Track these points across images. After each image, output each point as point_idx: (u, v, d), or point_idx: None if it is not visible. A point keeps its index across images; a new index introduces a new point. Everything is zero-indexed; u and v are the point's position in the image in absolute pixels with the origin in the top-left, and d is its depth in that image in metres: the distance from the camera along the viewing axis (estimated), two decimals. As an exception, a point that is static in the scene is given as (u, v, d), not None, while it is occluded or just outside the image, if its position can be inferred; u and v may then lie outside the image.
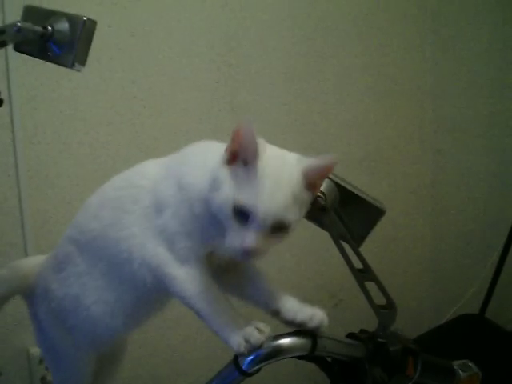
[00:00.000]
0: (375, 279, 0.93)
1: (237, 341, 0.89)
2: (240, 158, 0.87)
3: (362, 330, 1.02)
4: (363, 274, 0.94)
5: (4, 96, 1.00)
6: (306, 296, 2.42)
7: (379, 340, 0.99)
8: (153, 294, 1.02)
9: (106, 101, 1.89)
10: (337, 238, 0.94)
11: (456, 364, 1.15)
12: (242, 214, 0.85)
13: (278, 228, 0.87)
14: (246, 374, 0.91)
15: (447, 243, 2.76)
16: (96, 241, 1.03)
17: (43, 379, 1.83)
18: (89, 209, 1.07)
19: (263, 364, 0.91)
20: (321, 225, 0.96)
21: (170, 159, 1.01)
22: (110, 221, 1.01)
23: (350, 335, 1.01)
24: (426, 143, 2.64)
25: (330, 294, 2.39)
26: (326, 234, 1.02)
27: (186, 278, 0.93)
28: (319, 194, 0.93)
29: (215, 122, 2.07)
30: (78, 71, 0.98)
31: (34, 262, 1.19)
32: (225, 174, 0.88)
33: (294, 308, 0.96)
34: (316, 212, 0.93)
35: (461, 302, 2.68)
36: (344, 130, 2.38)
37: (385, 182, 2.47)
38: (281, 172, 0.87)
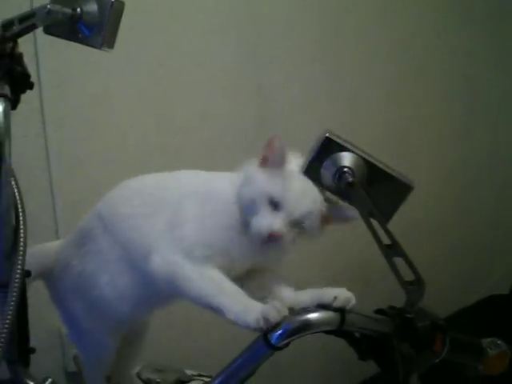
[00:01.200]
0: (403, 254, 0.93)
1: (255, 318, 0.91)
2: (270, 162, 0.98)
3: (390, 306, 1.02)
4: (391, 250, 0.94)
5: (33, 79, 1.01)
6: (336, 276, 2.41)
7: (407, 316, 0.99)
8: (162, 294, 1.06)
9: (134, 83, 1.90)
10: (365, 214, 0.94)
11: (485, 342, 1.14)
12: (271, 204, 0.95)
13: (296, 226, 0.96)
14: (275, 348, 0.92)
15: (476, 224, 2.74)
16: (121, 226, 1.07)
17: (75, 358, 1.85)
18: (124, 192, 1.11)
19: (292, 338, 0.92)
20: (349, 201, 0.97)
21: (201, 181, 1.07)
22: (140, 215, 1.05)
23: (379, 311, 1.01)
24: (454, 123, 2.62)
25: (358, 273, 2.39)
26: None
27: (199, 279, 0.97)
28: (347, 169, 0.93)
29: (241, 102, 2.07)
30: (107, 52, 0.99)
31: (51, 246, 1.23)
32: (258, 172, 0.98)
33: (314, 296, 0.98)
34: (345, 188, 0.93)
35: (490, 283, 2.67)
36: (370, 111, 2.37)
37: (413, 162, 2.46)
38: (307, 182, 0.97)
